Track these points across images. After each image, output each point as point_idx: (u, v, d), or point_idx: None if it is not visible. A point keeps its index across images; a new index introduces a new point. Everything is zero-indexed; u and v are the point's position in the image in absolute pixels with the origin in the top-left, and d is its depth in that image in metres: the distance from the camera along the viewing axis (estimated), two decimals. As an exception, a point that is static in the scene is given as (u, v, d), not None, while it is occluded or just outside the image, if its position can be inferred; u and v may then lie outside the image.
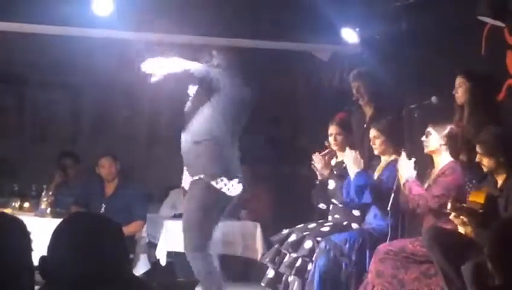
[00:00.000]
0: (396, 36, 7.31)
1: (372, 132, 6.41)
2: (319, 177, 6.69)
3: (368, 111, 7.04)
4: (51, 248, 2.51)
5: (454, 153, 5.82)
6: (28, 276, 2.44)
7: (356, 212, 6.52)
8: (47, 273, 2.49)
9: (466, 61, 6.45)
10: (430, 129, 5.86)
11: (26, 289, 2.42)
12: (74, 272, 2.44)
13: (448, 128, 5.81)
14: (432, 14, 6.94)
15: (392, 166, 6.22)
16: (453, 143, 5.81)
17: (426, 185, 5.86)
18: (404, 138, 6.11)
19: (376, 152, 6.43)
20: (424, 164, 6.03)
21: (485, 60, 6.30)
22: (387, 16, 7.39)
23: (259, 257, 7.68)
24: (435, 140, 5.83)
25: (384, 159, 6.44)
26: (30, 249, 2.46)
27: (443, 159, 5.83)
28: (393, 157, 6.33)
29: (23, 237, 2.46)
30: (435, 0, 6.79)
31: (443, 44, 6.83)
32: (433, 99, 6.10)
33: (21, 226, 2.48)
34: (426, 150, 5.90)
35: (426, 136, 5.87)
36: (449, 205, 5.13)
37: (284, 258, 6.43)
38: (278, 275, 6.50)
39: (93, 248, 2.47)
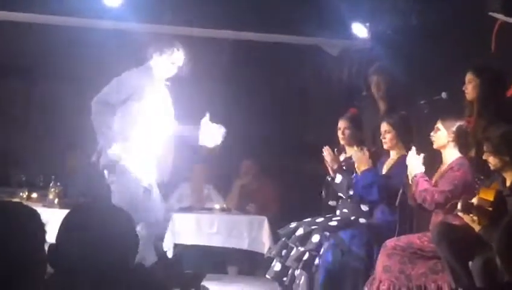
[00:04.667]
0: (407, 31, 7.29)
1: (383, 126, 6.40)
2: (331, 174, 6.67)
3: (382, 106, 7.03)
4: (61, 237, 2.51)
5: (462, 149, 5.80)
6: (41, 266, 2.44)
7: (364, 207, 6.51)
8: (56, 263, 2.49)
9: (476, 57, 6.43)
10: (439, 125, 5.84)
11: (39, 279, 2.41)
12: (83, 261, 2.44)
13: (457, 124, 5.79)
14: (442, 10, 6.92)
15: (402, 162, 6.20)
16: (462, 139, 5.79)
17: (434, 180, 5.85)
18: (413, 134, 6.09)
19: (385, 146, 6.43)
20: (432, 159, 6.02)
21: (495, 57, 6.27)
22: (398, 11, 7.38)
23: (266, 250, 7.68)
24: (443, 136, 5.82)
25: (394, 155, 6.43)
26: (44, 240, 2.46)
27: (451, 154, 5.82)
28: (402, 153, 6.32)
29: (38, 227, 2.46)
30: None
31: (453, 40, 6.82)
32: (444, 95, 6.09)
33: (36, 216, 2.48)
34: (435, 146, 5.89)
35: (435, 132, 5.86)
36: (459, 205, 5.11)
37: (290, 252, 6.43)
38: (284, 268, 6.50)
39: (103, 237, 2.47)
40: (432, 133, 5.87)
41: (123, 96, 6.40)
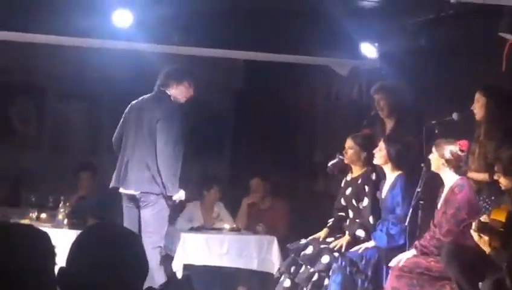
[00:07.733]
0: (416, 51, 7.29)
1: (380, 143, 6.46)
2: None
3: (389, 124, 7.02)
4: (70, 258, 2.50)
5: (458, 171, 5.79)
6: (51, 289, 2.43)
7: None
8: (66, 284, 2.48)
9: (486, 78, 6.42)
10: (433, 148, 5.86)
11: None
12: (94, 283, 2.43)
13: (447, 147, 5.79)
14: (452, 30, 6.92)
15: (399, 182, 6.25)
16: (454, 162, 5.78)
17: (439, 204, 5.83)
18: (405, 159, 6.08)
19: (374, 161, 6.46)
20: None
21: (505, 77, 6.25)
22: (407, 31, 7.37)
23: (275, 270, 7.66)
24: (435, 159, 5.83)
25: (390, 175, 6.40)
26: (54, 263, 2.46)
27: (449, 177, 5.82)
28: (397, 173, 6.33)
29: (48, 250, 2.46)
30: (455, 16, 6.75)
31: (463, 60, 6.81)
32: (455, 115, 6.07)
33: (46, 239, 2.48)
34: (432, 168, 5.90)
35: (430, 155, 5.89)
36: (473, 225, 5.09)
37: (300, 269, 6.43)
38: (294, 285, 6.50)
39: (113, 258, 2.46)
40: (429, 156, 5.90)
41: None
